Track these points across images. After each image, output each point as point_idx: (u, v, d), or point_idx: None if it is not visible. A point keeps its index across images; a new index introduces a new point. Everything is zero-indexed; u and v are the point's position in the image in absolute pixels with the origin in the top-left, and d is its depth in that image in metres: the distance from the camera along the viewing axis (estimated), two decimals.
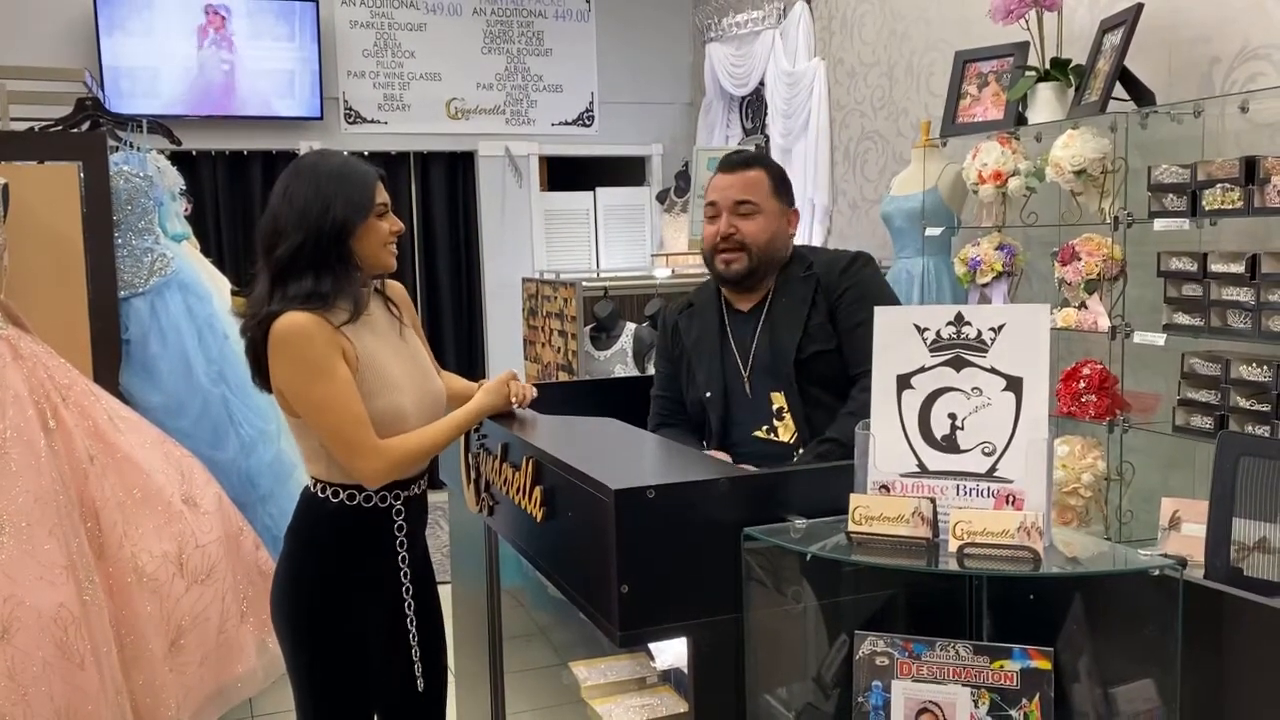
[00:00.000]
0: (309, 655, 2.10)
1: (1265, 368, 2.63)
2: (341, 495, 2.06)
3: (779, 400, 2.31)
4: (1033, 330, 1.43)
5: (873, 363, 1.52)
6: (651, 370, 4.60)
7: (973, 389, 1.45)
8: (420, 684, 2.19)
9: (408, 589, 2.15)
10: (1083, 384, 3.10)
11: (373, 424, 1.98)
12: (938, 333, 1.48)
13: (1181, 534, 1.99)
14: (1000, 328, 1.44)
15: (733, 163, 2.39)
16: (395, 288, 2.24)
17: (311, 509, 2.11)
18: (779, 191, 2.36)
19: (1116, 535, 3.08)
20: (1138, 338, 2.98)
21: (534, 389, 2.23)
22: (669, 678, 2.12)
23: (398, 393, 2.05)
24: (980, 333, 1.45)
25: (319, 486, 2.10)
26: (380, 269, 2.09)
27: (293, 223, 1.98)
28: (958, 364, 1.46)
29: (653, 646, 2.04)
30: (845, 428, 2.09)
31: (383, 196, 2.06)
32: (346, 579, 2.09)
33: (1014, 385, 1.43)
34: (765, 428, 2.33)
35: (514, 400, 2.17)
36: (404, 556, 2.13)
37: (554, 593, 2.23)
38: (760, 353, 2.34)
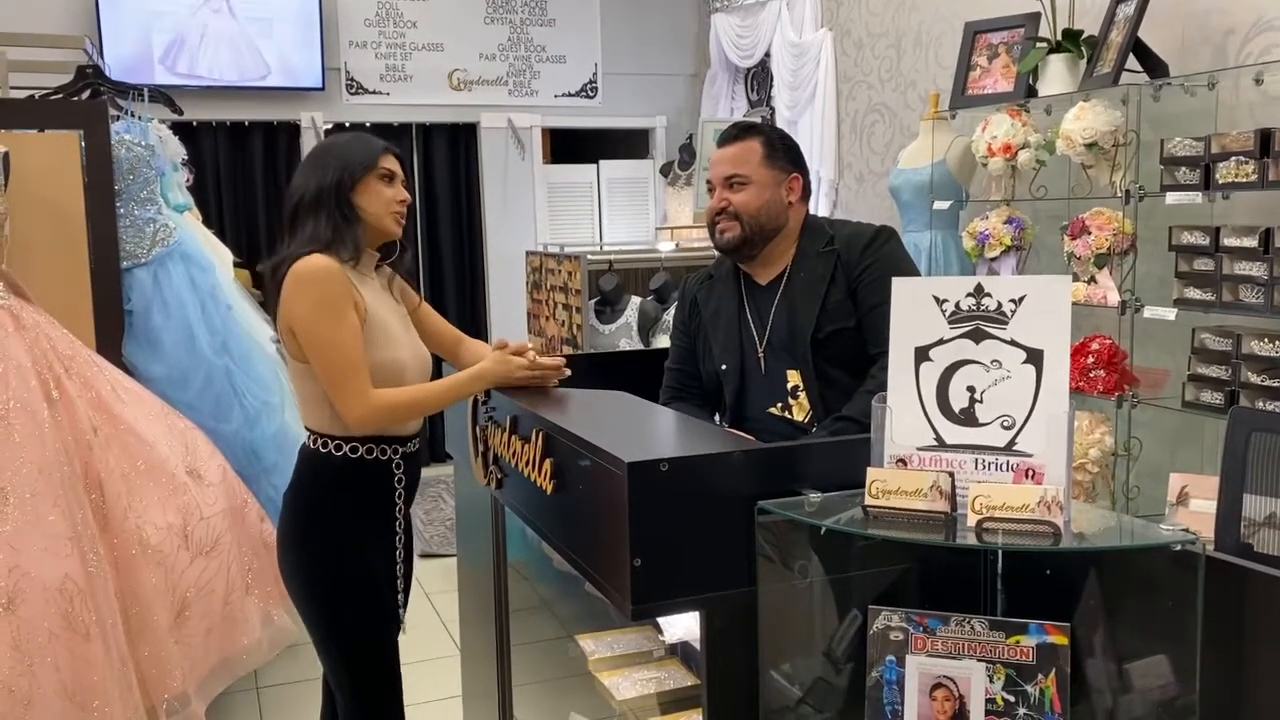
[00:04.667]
0: (330, 609, 2.18)
1: (1277, 343, 2.61)
2: (345, 449, 2.16)
3: (794, 378, 2.28)
4: (1054, 302, 1.40)
5: (890, 334, 1.50)
6: (656, 344, 4.61)
7: (992, 361, 1.43)
8: (404, 629, 2.32)
9: (400, 537, 2.28)
10: (1091, 359, 3.08)
11: (374, 376, 2.09)
12: (957, 304, 1.45)
13: (1189, 509, 1.98)
14: (1021, 299, 1.42)
15: (725, 136, 2.38)
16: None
17: (312, 464, 2.20)
18: (772, 159, 2.32)
19: (1123, 511, 3.07)
20: (1148, 312, 2.96)
21: (564, 367, 2.19)
22: (676, 651, 2.11)
23: (400, 349, 2.17)
24: (1000, 304, 1.43)
25: (319, 441, 2.18)
26: (384, 233, 2.20)
27: (299, 185, 2.16)
28: (977, 336, 1.44)
29: (661, 620, 2.03)
30: (862, 406, 2.07)
31: (390, 164, 2.18)
32: (349, 530, 2.18)
33: (1034, 358, 1.40)
34: (779, 404, 2.30)
35: (520, 370, 2.14)
36: (399, 508, 2.25)
37: (559, 566, 2.22)
38: (777, 329, 2.31)
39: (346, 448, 2.16)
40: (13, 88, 3.86)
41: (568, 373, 2.20)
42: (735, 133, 2.37)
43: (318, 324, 2.05)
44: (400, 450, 2.22)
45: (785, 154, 2.35)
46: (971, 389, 1.43)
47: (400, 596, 2.31)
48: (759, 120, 5.22)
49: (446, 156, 6.60)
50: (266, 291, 2.19)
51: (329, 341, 2.05)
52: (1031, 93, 3.48)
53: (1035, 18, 3.51)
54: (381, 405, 2.08)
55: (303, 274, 2.06)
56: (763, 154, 2.32)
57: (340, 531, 2.17)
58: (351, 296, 2.08)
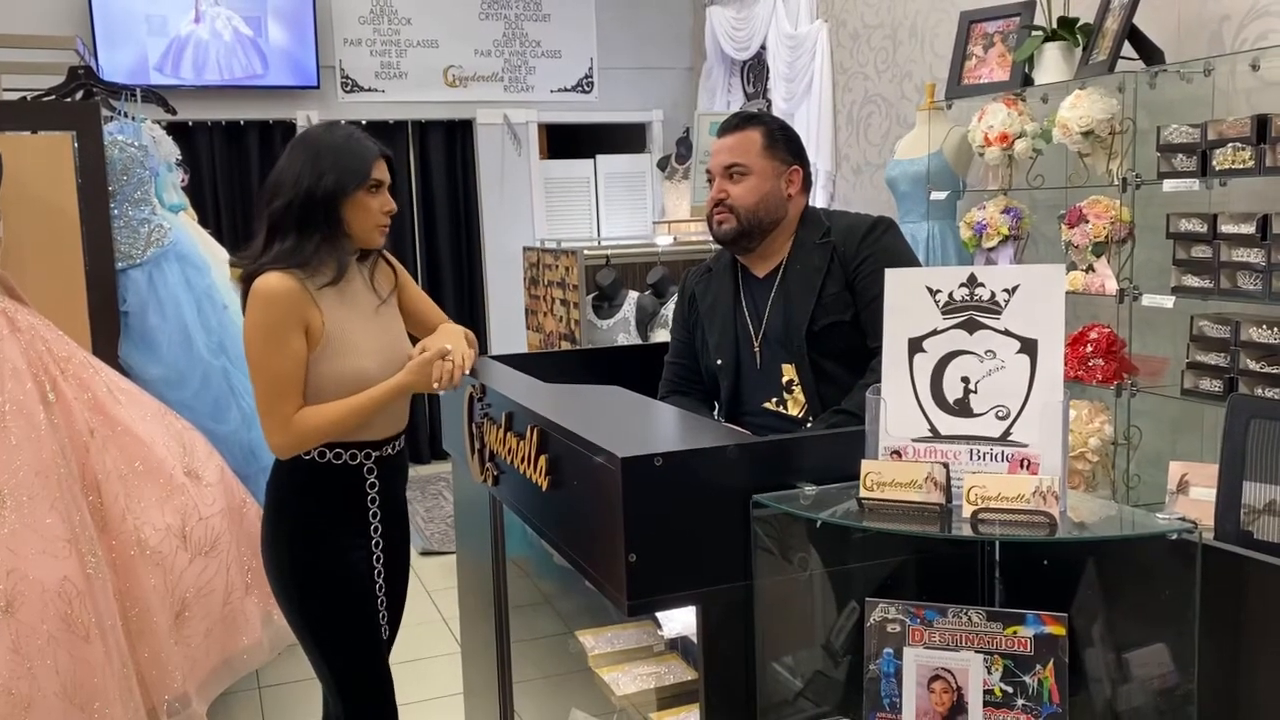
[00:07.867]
0: (304, 607, 2.18)
1: (1276, 330, 2.60)
2: (313, 452, 2.14)
3: (789, 373, 2.26)
4: (1048, 291, 1.39)
5: (883, 326, 1.49)
6: (654, 338, 4.60)
7: (986, 352, 1.42)
8: (386, 631, 2.28)
9: (378, 543, 2.23)
10: (1090, 348, 3.08)
11: (337, 384, 2.09)
12: (950, 294, 1.44)
13: (1189, 497, 1.97)
14: (1014, 289, 1.41)
15: (726, 125, 2.35)
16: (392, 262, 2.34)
17: (284, 464, 2.18)
18: (772, 149, 2.29)
19: (1124, 499, 3.06)
20: (1146, 300, 2.95)
21: (467, 365, 2.16)
22: (676, 646, 2.11)
23: (363, 357, 2.13)
24: (994, 294, 1.42)
25: None
26: (366, 245, 2.17)
27: (289, 182, 2.08)
28: (971, 326, 1.43)
29: (660, 615, 2.03)
30: (861, 400, 2.05)
31: (381, 174, 2.13)
32: (317, 530, 2.17)
33: (1028, 347, 1.39)
34: (774, 399, 2.29)
35: (435, 384, 2.12)
36: (375, 513, 2.22)
37: (559, 562, 2.22)
38: (772, 322, 2.29)
39: (314, 452, 2.13)
40: (5, 90, 3.85)
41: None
42: (736, 122, 2.34)
43: (255, 345, 2.06)
44: (374, 454, 2.19)
45: (786, 145, 2.32)
46: (966, 379, 1.43)
47: (383, 599, 2.27)
48: (760, 110, 5.19)
49: (443, 153, 6.59)
50: (241, 292, 2.15)
51: (261, 365, 2.05)
52: (1027, 81, 3.47)
53: (1030, 6, 3.50)
54: (301, 431, 2.06)
55: (257, 292, 2.04)
56: (763, 144, 2.29)
57: (308, 532, 2.16)
58: (302, 320, 2.05)
